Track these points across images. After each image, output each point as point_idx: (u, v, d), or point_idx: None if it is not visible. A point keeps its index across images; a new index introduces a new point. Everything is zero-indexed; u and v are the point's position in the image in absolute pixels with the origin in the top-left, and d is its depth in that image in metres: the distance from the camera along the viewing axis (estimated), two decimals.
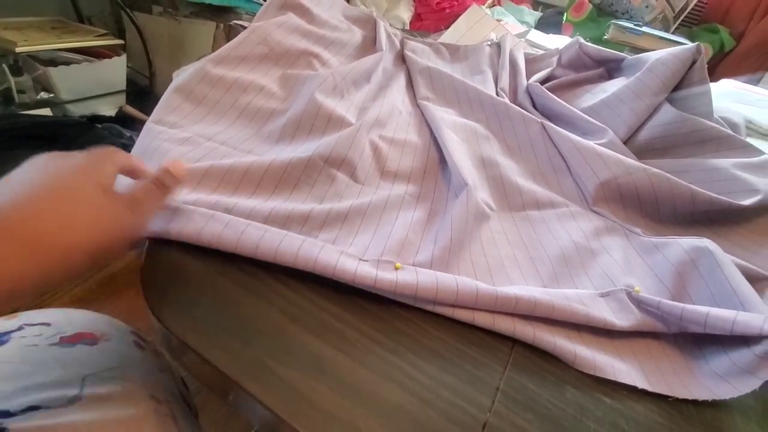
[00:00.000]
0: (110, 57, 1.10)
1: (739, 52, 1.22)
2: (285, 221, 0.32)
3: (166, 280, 0.25)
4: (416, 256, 0.31)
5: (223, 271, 0.26)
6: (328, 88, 0.45)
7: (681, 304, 0.28)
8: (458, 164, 0.38)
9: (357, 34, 0.59)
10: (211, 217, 0.28)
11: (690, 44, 0.47)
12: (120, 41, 1.14)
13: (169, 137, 0.35)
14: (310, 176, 0.37)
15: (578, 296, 0.29)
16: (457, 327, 0.27)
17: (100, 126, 1.04)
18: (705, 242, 0.32)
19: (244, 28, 0.61)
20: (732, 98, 0.71)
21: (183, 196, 0.30)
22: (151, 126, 0.36)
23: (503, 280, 0.32)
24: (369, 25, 0.61)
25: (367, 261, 0.29)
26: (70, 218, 0.19)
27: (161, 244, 0.27)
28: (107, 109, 1.15)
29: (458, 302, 0.27)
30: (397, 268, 0.29)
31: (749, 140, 0.56)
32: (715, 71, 1.22)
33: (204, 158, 0.35)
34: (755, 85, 0.90)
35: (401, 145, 0.44)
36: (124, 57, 1.13)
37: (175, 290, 0.24)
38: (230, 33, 0.95)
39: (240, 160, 0.35)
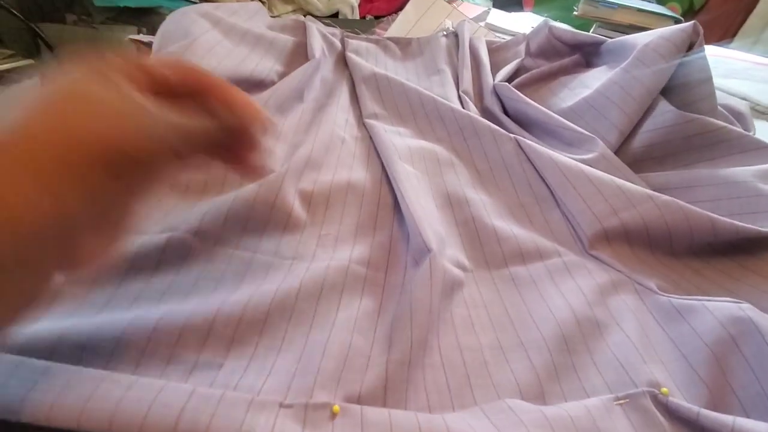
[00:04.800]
0: (21, 81, 0.94)
1: (710, 7, 1.15)
2: (177, 340, 0.23)
3: None
4: (364, 378, 0.22)
5: None
6: None
7: (731, 420, 0.20)
8: (417, 219, 0.29)
9: (288, 42, 0.48)
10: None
11: (684, 24, 0.39)
12: (29, 61, 0.99)
13: None
14: (214, 257, 0.27)
15: (589, 416, 0.21)
16: None
17: None
18: (744, 309, 0.24)
19: (143, 44, 0.50)
20: (718, 71, 0.64)
21: None
22: None
23: (487, 390, 0.24)
24: (300, 31, 0.50)
25: (291, 407, 0.20)
26: (59, 117, 0.15)
27: None
28: None
29: None
30: (335, 413, 0.20)
31: None
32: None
33: None
34: (727, 47, 0.83)
35: (343, 189, 0.34)
36: (36, 80, 0.98)
37: None
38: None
39: None
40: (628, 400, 0.23)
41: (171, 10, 1.10)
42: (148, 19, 1.07)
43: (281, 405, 0.20)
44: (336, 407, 0.20)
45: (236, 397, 0.19)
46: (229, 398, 0.19)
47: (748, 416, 0.22)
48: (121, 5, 1.01)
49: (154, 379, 0.20)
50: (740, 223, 0.30)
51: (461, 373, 0.24)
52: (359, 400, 0.21)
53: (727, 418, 0.20)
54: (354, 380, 0.22)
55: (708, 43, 0.77)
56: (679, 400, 0.22)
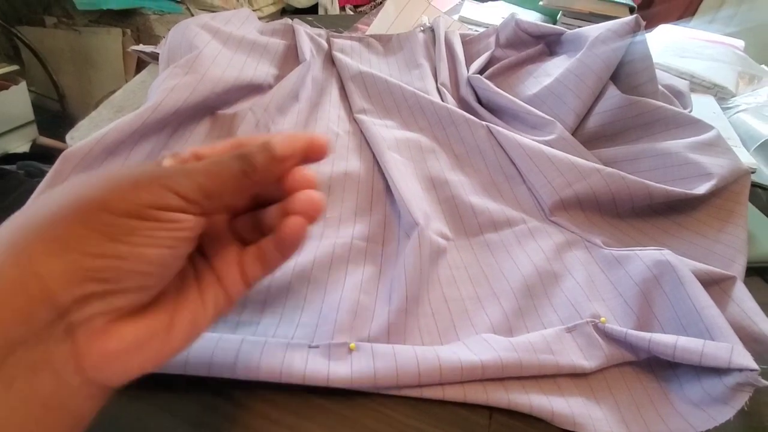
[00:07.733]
0: (7, 87, 0.96)
1: None
2: None
3: None
4: (371, 325, 0.29)
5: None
6: (249, 127, 0.40)
7: (648, 335, 0.27)
8: (406, 200, 0.35)
9: (279, 46, 0.53)
10: None
11: (628, 17, 0.44)
12: (14, 67, 1.00)
13: None
14: None
15: (545, 342, 0.28)
16: (426, 406, 0.25)
17: (13, 167, 0.92)
18: (665, 254, 0.31)
19: (147, 54, 0.53)
20: (672, 51, 0.70)
21: None
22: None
23: (467, 330, 0.30)
24: (289, 34, 0.55)
25: (317, 347, 0.26)
26: None
27: None
28: (19, 145, 1.03)
29: (422, 382, 0.25)
30: (351, 350, 0.26)
31: (693, 96, 0.55)
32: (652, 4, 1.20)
33: None
34: (687, 26, 0.89)
35: (342, 178, 0.40)
36: (23, 84, 1.00)
37: None
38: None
39: None
40: (575, 329, 0.29)
41: (153, 11, 1.12)
42: (131, 20, 1.09)
43: (310, 346, 0.26)
44: (352, 345, 0.26)
45: (276, 341, 0.26)
46: (271, 342, 0.25)
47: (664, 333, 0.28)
48: (104, 8, 1.03)
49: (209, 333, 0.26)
50: (670, 188, 0.37)
51: (447, 318, 0.31)
52: (368, 341, 0.27)
53: (646, 335, 0.27)
54: (363, 328, 0.28)
55: (668, 22, 0.83)
56: (614, 325, 0.29)
